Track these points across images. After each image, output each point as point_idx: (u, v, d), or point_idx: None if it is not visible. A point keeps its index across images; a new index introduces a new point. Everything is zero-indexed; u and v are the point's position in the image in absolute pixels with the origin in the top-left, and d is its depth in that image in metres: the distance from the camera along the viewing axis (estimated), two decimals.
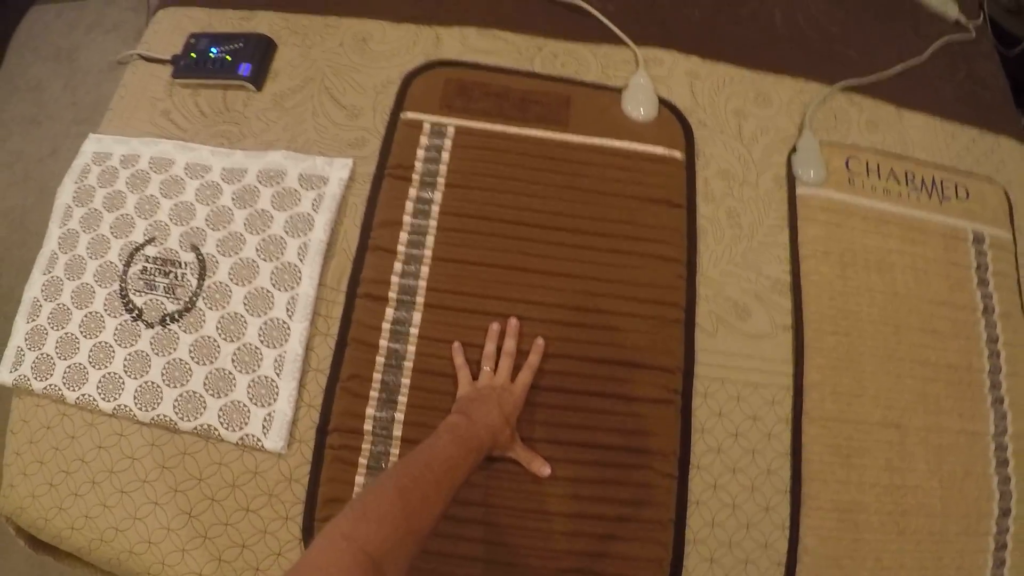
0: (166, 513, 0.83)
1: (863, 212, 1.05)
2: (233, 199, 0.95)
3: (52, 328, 0.92)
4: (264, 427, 0.84)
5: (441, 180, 0.94)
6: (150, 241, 0.94)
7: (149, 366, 0.88)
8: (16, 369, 0.91)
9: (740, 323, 0.93)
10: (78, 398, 0.88)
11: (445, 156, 0.95)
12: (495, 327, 0.86)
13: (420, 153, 0.95)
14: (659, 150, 0.98)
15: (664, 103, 1.01)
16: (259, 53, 1.03)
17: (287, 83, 1.03)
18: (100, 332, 0.91)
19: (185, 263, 0.93)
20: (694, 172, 0.98)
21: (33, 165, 1.82)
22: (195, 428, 0.85)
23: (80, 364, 0.89)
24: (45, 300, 0.94)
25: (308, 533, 0.81)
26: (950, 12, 1.27)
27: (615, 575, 0.80)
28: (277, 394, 0.85)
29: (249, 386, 0.86)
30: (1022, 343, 1.05)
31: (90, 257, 0.95)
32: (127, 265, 0.93)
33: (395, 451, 0.83)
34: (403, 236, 0.91)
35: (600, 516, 0.82)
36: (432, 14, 1.06)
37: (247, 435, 0.84)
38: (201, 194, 0.96)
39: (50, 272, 0.95)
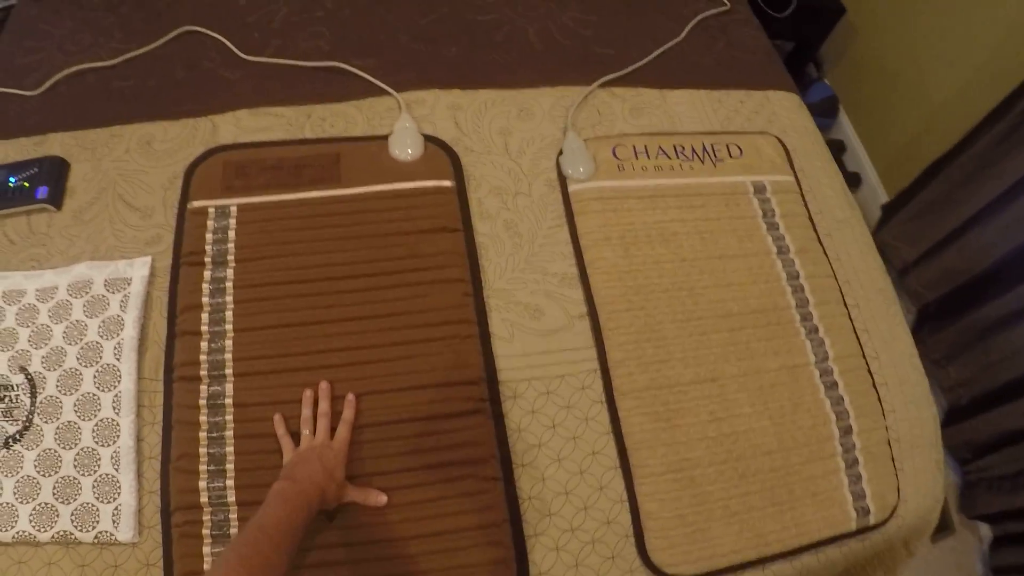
0: None
1: (637, 193, 1.15)
2: (50, 316, 1.04)
3: None
4: (114, 521, 0.93)
5: (231, 258, 1.04)
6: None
7: (1, 489, 0.95)
8: None
9: (535, 323, 1.03)
10: None
11: (231, 235, 1.06)
12: (308, 393, 0.95)
13: (208, 237, 1.06)
14: (429, 183, 1.09)
15: (429, 139, 1.12)
16: (54, 174, 1.13)
17: (83, 197, 1.13)
18: None
19: (16, 385, 1.01)
20: (466, 196, 1.09)
21: None
22: (53, 536, 0.94)
23: None
24: None
25: None
26: None
27: None
28: (120, 488, 0.95)
29: (94, 486, 0.95)
30: (824, 273, 1.16)
31: None
32: None
33: (234, 516, 0.93)
34: (204, 316, 1.01)
35: (439, 532, 0.91)
36: (206, 106, 1.17)
37: (101, 532, 0.93)
38: (20, 317, 1.05)
39: None
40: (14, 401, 1.00)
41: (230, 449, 0.95)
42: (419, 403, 0.96)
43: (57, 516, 0.94)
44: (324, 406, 0.93)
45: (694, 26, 1.36)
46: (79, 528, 0.93)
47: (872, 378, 1.08)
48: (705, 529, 0.94)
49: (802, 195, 1.24)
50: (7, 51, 1.30)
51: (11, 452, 0.97)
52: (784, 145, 1.29)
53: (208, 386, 0.97)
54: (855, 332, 1.11)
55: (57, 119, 1.19)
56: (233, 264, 1.03)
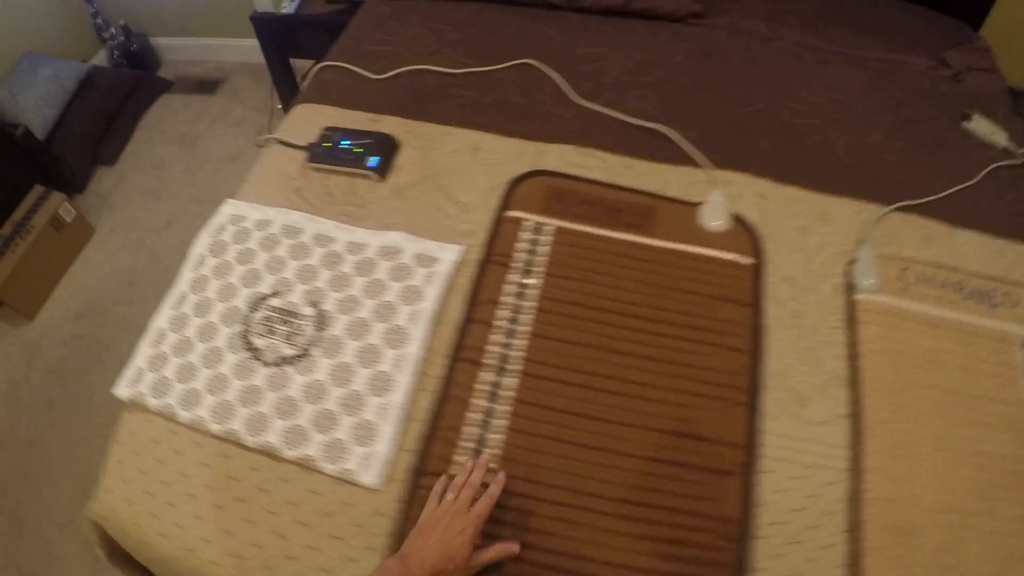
0: (258, 531, 0.91)
1: (916, 316, 1.15)
2: (354, 267, 1.11)
3: (174, 356, 1.04)
4: (363, 464, 0.94)
5: (541, 270, 1.10)
6: (275, 294, 1.08)
7: (261, 399, 1.00)
8: (134, 386, 1.02)
9: (801, 410, 1.02)
10: (191, 418, 0.98)
11: (544, 249, 1.12)
12: (468, 463, 0.95)
13: (520, 245, 1.12)
14: (731, 256, 1.13)
15: (736, 217, 1.17)
16: (385, 150, 1.23)
17: (407, 177, 1.22)
18: (219, 365, 1.03)
19: (305, 316, 1.06)
20: (761, 276, 1.13)
21: (148, 233, 2.04)
22: (297, 457, 0.95)
23: (196, 389, 1.01)
24: (171, 331, 1.07)
25: None
26: (999, 140, 1.42)
27: None
28: (378, 436, 0.96)
29: (353, 427, 0.96)
30: None
31: (219, 300, 1.08)
32: (251, 311, 1.07)
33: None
34: (502, 313, 1.05)
35: (658, 571, 0.88)
36: (536, 132, 1.28)
37: (345, 470, 0.94)
38: (325, 260, 1.12)
39: (178, 308, 1.09)
40: (298, 329, 1.05)
41: (496, 436, 0.96)
42: (677, 448, 0.96)
43: (308, 441, 0.96)
44: (476, 477, 0.92)
45: (987, 173, 1.38)
46: (326, 459, 0.94)
47: None
48: None
49: None
50: (356, 38, 1.47)
51: (281, 371, 1.01)
52: None
53: (490, 375, 1.00)
54: None
55: (395, 105, 1.33)
56: (542, 275, 1.09)
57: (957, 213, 1.27)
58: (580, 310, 1.06)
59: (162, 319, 1.09)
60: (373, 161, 1.22)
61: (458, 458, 0.94)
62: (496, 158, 1.25)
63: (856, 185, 1.27)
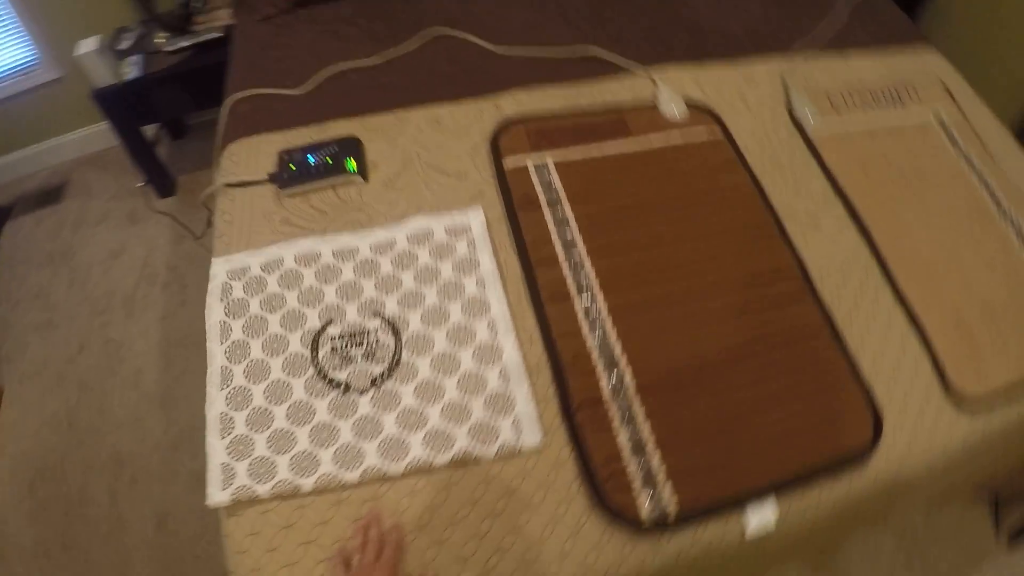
0: (456, 543, 0.85)
1: (857, 131, 1.32)
2: (393, 265, 1.04)
3: (256, 432, 0.92)
4: (515, 431, 0.91)
5: (563, 197, 1.11)
6: (329, 323, 0.99)
7: (380, 424, 0.91)
8: (229, 484, 0.88)
9: (816, 231, 1.15)
10: (317, 482, 0.87)
11: (556, 181, 1.12)
12: (360, 523, 0.87)
13: (536, 185, 1.11)
14: (704, 134, 1.24)
15: (688, 103, 1.27)
16: (354, 151, 1.16)
17: (389, 168, 1.16)
18: (312, 415, 0.93)
19: (373, 329, 0.98)
20: (734, 141, 1.24)
21: (63, 366, 1.69)
22: (452, 458, 0.89)
23: (305, 451, 0.90)
24: (235, 411, 0.94)
25: (599, 498, 0.87)
26: None
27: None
28: (513, 401, 0.93)
29: (485, 404, 0.93)
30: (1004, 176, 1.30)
31: (271, 356, 0.97)
32: (314, 350, 0.97)
33: (637, 404, 0.93)
34: (557, 246, 1.06)
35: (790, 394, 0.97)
36: (482, 89, 1.27)
37: (502, 445, 0.90)
38: (361, 271, 1.04)
39: (229, 384, 0.95)
40: (375, 345, 0.97)
41: (618, 348, 0.97)
42: (752, 284, 1.05)
43: (452, 439, 0.91)
44: (374, 532, 0.86)
45: (852, 10, 1.58)
46: (480, 445, 0.90)
47: None
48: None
49: (967, 120, 1.40)
50: (250, 64, 1.35)
51: (381, 390, 0.94)
52: (944, 84, 1.49)
53: (579, 300, 1.01)
54: None
55: (331, 109, 1.24)
56: (567, 203, 1.10)
57: (842, 45, 1.48)
58: (615, 218, 1.10)
59: (217, 404, 0.94)
60: (351, 165, 1.14)
61: (602, 381, 0.94)
62: (460, 123, 1.22)
63: (760, 48, 1.42)
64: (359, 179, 1.14)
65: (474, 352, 0.97)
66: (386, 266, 1.05)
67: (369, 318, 1.00)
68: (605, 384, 0.95)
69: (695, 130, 1.23)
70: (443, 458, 0.89)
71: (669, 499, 0.87)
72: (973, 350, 1.04)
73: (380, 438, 0.90)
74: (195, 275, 1.78)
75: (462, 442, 0.90)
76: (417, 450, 0.90)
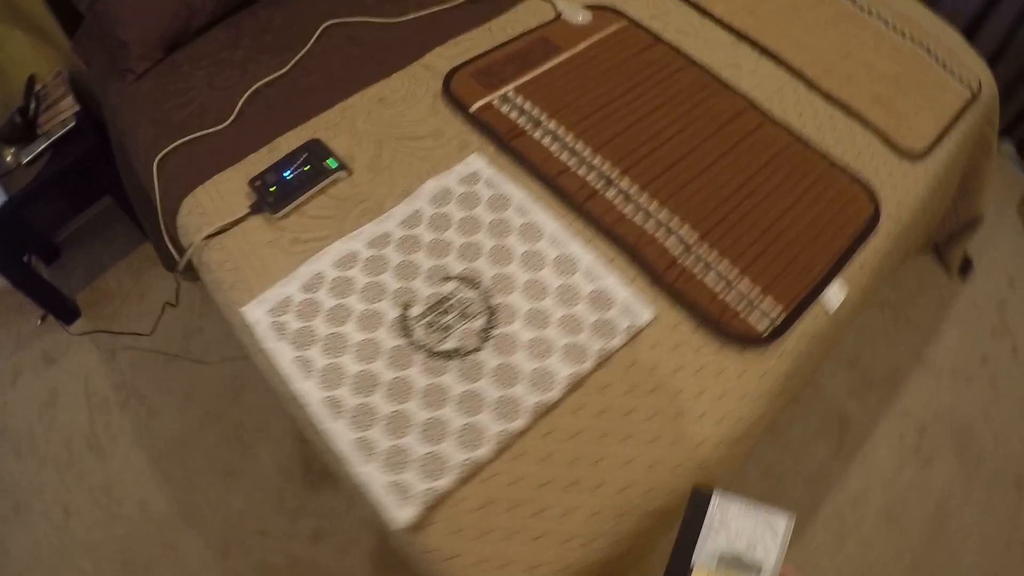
0: (640, 434, 0.87)
1: None
2: (431, 230, 1.01)
3: (400, 437, 0.86)
4: (628, 315, 0.94)
5: (543, 116, 1.14)
6: (407, 307, 0.95)
7: (515, 367, 0.90)
8: (409, 497, 0.81)
9: (737, 71, 1.26)
10: (490, 447, 0.84)
11: (526, 105, 1.15)
12: None
13: (512, 115, 1.14)
14: (616, 27, 1.31)
15: (588, 6, 1.34)
16: (323, 151, 1.09)
17: (365, 154, 1.11)
18: (446, 393, 0.89)
19: (452, 291, 0.96)
20: (639, 23, 1.32)
21: (61, 541, 1.37)
22: (595, 364, 0.91)
23: (464, 425, 0.86)
24: (364, 430, 0.87)
25: (721, 332, 0.94)
26: None
27: None
28: (610, 292, 0.96)
29: (589, 306, 0.95)
30: None
31: (367, 362, 0.91)
32: (409, 336, 0.92)
33: (706, 250, 1.00)
34: (564, 156, 1.09)
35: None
36: (405, 58, 1.25)
37: (628, 328, 0.93)
38: (403, 249, 1.00)
39: (340, 412, 0.88)
40: (461, 303, 0.95)
41: (664, 212, 1.03)
42: (719, 132, 1.14)
43: (582, 347, 0.92)
44: None
45: None
46: (606, 339, 0.92)
47: None
48: None
49: None
50: (156, 120, 1.20)
51: (496, 338, 0.93)
52: None
53: (610, 190, 1.05)
54: None
55: (270, 128, 1.15)
56: (549, 119, 1.13)
57: None
58: (594, 115, 1.14)
59: (342, 435, 0.85)
60: (331, 163, 1.07)
61: (668, 244, 1.00)
62: (403, 93, 1.19)
63: None
64: (344, 173, 1.07)
65: (553, 270, 0.97)
66: (426, 235, 1.01)
67: (440, 284, 0.96)
68: (673, 244, 1.00)
69: (608, 27, 1.30)
70: (586, 366, 0.90)
71: (772, 308, 0.96)
72: (901, 117, 1.21)
73: (522, 377, 0.89)
74: (147, 379, 1.57)
75: (592, 346, 0.91)
76: (561, 370, 0.89)
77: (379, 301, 0.95)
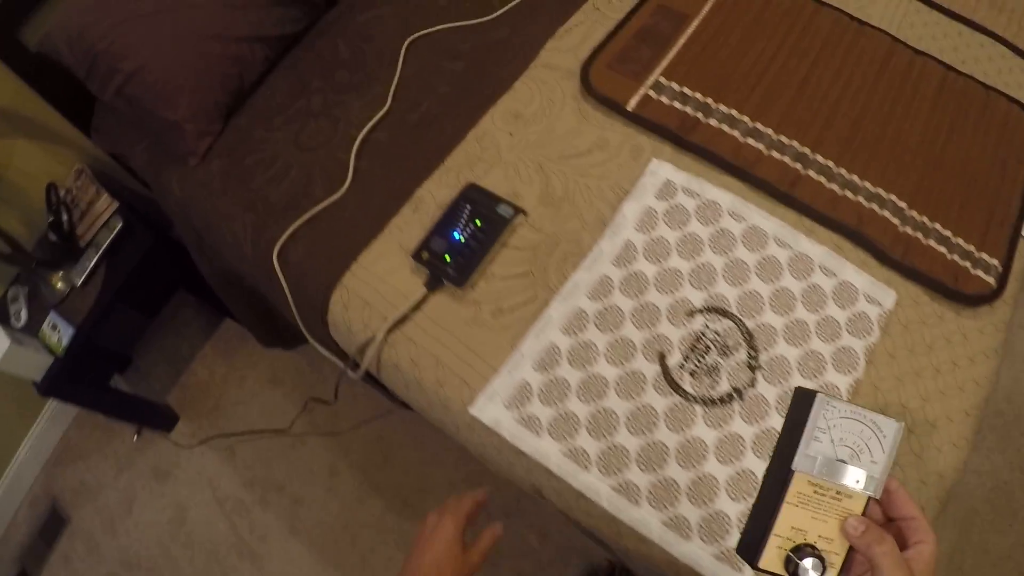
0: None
1: None
2: (648, 261, 0.85)
3: (704, 504, 0.74)
4: (874, 304, 0.83)
5: (707, 98, 0.96)
6: (662, 358, 0.80)
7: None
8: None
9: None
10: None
11: (687, 90, 0.97)
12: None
13: (677, 105, 0.96)
14: None
15: None
16: (487, 197, 0.91)
17: (532, 187, 0.93)
18: (743, 442, 0.77)
19: (702, 325, 0.81)
20: None
21: None
22: (865, 357, 0.80)
23: (738, 471, 0.74)
24: (668, 506, 0.74)
25: (960, 292, 0.84)
26: None
27: None
28: (851, 282, 0.84)
29: (836, 304, 0.84)
30: None
31: (642, 433, 0.77)
32: (680, 391, 0.78)
33: (919, 212, 0.88)
34: (750, 142, 0.93)
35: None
36: (511, 65, 1.03)
37: (879, 319, 0.82)
38: (628, 289, 0.84)
39: (636, 499, 0.75)
40: (717, 337, 0.81)
41: (868, 184, 0.89)
42: (881, 79, 0.99)
43: (851, 350, 0.80)
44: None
45: None
46: (862, 337, 0.81)
47: None
48: None
49: None
50: (246, 201, 0.99)
51: (765, 366, 0.79)
52: None
53: (812, 172, 0.90)
54: None
55: (401, 180, 0.95)
56: (718, 100, 0.95)
57: None
58: (759, 88, 0.97)
59: (650, 523, 0.73)
60: (503, 209, 0.89)
61: (886, 213, 0.87)
62: (539, 103, 0.98)
63: None
64: (520, 217, 0.89)
65: (791, 274, 0.84)
66: (647, 268, 0.84)
67: (687, 321, 0.81)
68: (890, 215, 0.88)
69: None
70: (860, 370, 0.79)
71: (990, 258, 0.86)
72: None
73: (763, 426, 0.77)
74: (279, 468, 1.38)
75: (856, 346, 0.80)
76: (840, 382, 0.78)
77: (631, 360, 0.80)
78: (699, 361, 0.80)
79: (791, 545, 0.44)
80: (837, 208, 0.88)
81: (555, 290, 0.85)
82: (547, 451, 0.77)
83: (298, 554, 1.31)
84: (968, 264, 0.85)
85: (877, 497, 0.44)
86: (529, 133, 0.97)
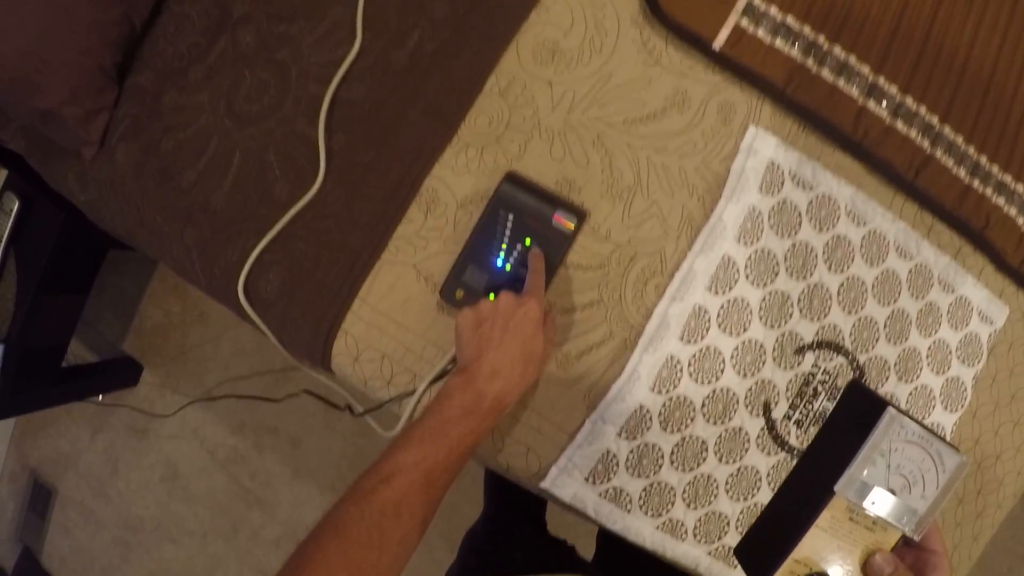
0: None
1: None
2: (754, 286, 0.60)
3: None
4: (987, 323, 0.67)
5: (820, 38, 0.63)
6: (768, 407, 0.61)
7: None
8: None
9: None
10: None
11: (790, 20, 0.62)
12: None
13: (779, 45, 0.62)
14: None
15: None
16: (534, 196, 0.60)
17: (589, 173, 0.62)
18: None
19: (810, 366, 0.62)
20: None
21: None
22: (973, 383, 0.66)
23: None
24: None
25: None
26: None
27: None
28: (967, 299, 0.66)
29: (951, 326, 0.66)
30: None
31: (742, 498, 0.62)
32: (783, 446, 0.62)
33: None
34: (871, 106, 0.63)
35: None
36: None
37: (991, 334, 0.67)
38: (727, 327, 0.61)
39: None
40: (822, 381, 0.61)
41: (1000, 173, 0.65)
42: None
43: (960, 379, 0.66)
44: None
45: None
46: (970, 364, 0.66)
47: None
48: None
49: None
50: (177, 209, 0.63)
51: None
52: None
53: (939, 152, 0.64)
54: None
55: (398, 164, 0.60)
56: (833, 41, 0.62)
57: None
58: (884, 30, 0.63)
59: None
60: (563, 219, 0.58)
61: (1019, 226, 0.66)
62: (582, 32, 0.61)
63: None
64: (577, 219, 0.59)
65: (909, 290, 0.63)
66: (751, 294, 0.60)
67: (796, 361, 0.61)
68: (1017, 211, 0.65)
69: None
70: (966, 404, 0.65)
71: None
72: None
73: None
74: (268, 412, 1.17)
75: (965, 375, 0.65)
76: (946, 421, 0.65)
77: (732, 416, 0.60)
78: (807, 409, 0.62)
79: (805, 572, 0.36)
80: (965, 203, 0.64)
81: (634, 326, 0.60)
82: (640, 528, 0.60)
83: (307, 496, 1.17)
84: None
85: (917, 539, 0.36)
86: (576, 81, 0.61)
